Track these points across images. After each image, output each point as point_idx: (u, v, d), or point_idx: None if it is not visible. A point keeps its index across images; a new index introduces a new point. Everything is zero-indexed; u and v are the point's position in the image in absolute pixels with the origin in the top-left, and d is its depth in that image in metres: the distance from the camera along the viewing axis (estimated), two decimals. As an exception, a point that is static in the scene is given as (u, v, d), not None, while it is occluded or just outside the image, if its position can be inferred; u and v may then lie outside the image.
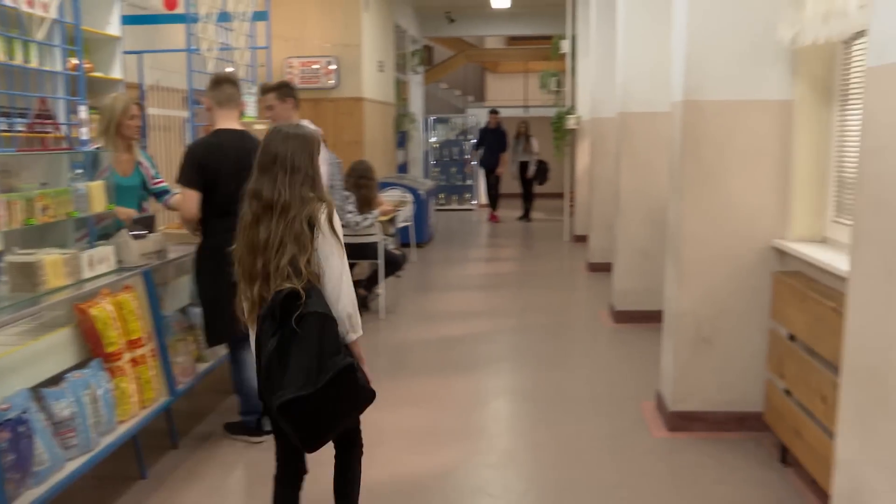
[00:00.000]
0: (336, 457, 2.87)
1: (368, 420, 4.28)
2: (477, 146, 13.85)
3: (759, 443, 4.12)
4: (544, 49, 13.62)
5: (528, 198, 13.81)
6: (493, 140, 13.28)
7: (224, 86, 4.12)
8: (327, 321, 2.51)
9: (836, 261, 3.47)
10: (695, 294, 4.23)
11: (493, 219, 13.67)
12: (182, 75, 5.48)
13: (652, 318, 6.42)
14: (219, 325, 4.02)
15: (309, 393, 2.42)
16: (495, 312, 7.19)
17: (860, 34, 3.41)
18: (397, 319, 6.90)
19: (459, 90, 18.24)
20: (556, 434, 4.38)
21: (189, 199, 3.94)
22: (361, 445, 2.93)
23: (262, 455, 4.00)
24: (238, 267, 2.67)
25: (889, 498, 1.99)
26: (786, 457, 3.84)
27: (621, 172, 6.64)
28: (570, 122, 10.58)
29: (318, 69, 9.32)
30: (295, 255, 2.52)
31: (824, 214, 4.00)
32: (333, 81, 9.36)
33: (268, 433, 4.14)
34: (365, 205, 6.82)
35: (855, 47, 3.64)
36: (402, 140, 12.89)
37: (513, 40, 17.48)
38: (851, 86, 3.71)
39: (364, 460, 2.96)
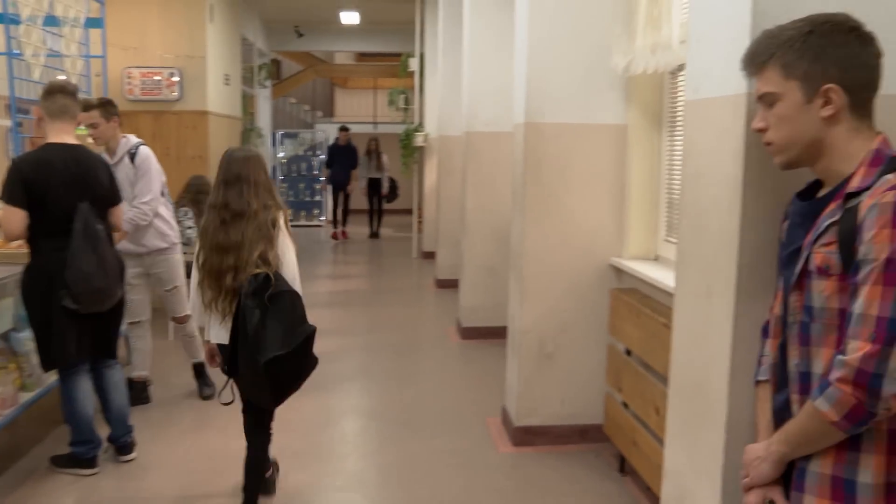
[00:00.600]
0: (249, 443, 3.47)
1: (211, 446, 4.12)
2: (328, 164, 13.57)
3: (600, 454, 4.28)
4: (393, 66, 13.70)
5: (377, 215, 13.75)
6: (343, 157, 13.16)
7: (57, 96, 3.85)
8: (296, 297, 3.23)
9: (666, 278, 3.66)
10: (537, 311, 4.35)
11: (343, 236, 13.50)
12: (4, 81, 5.11)
13: (498, 333, 6.54)
14: (53, 349, 3.79)
15: (286, 352, 3.07)
16: (343, 331, 7.12)
17: (682, 66, 3.63)
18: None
19: (308, 105, 18.04)
20: (404, 453, 4.37)
21: (13, 218, 3.65)
22: (271, 433, 3.56)
23: (92, 485, 3.77)
24: (202, 267, 3.29)
25: (712, 505, 2.09)
26: (624, 466, 4.01)
27: (467, 190, 6.76)
28: (418, 140, 10.68)
29: (160, 80, 8.94)
30: (263, 250, 3.21)
31: (657, 234, 4.23)
32: (177, 94, 9.00)
33: (94, 468, 3.97)
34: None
35: (679, 78, 3.87)
36: (248, 155, 12.60)
37: (362, 56, 17.49)
38: (677, 113, 3.95)
39: (205, 489, 2.88)
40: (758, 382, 1.85)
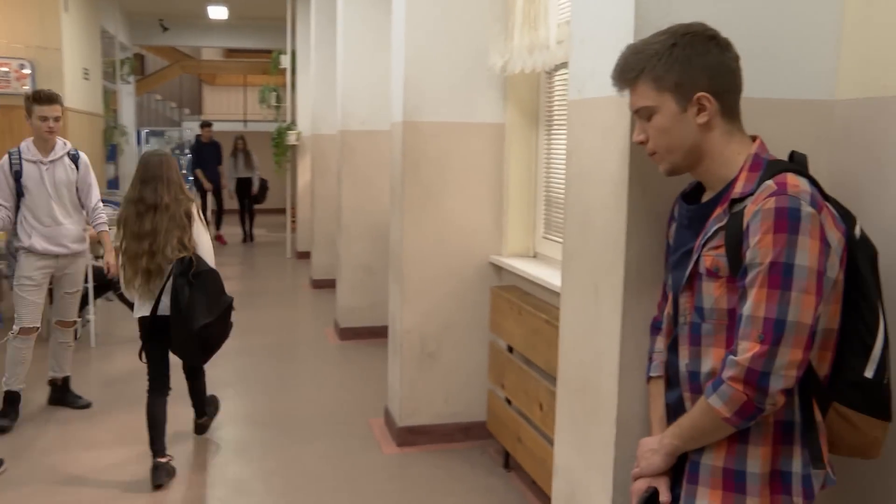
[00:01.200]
0: (189, 381, 4.33)
1: (78, 460, 3.88)
2: (196, 163, 12.16)
3: (484, 451, 4.30)
4: (264, 63, 13.36)
5: (249, 217, 12.75)
6: (210, 155, 12.09)
7: None
8: (215, 274, 3.91)
9: (545, 275, 3.72)
10: (418, 310, 4.33)
11: (220, 240, 12.33)
12: None
13: (377, 333, 6.51)
14: None
15: (212, 319, 3.79)
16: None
17: (561, 66, 3.70)
18: (110, 348, 6.35)
19: (175, 102, 17.35)
20: (287, 458, 4.26)
21: None
22: (204, 373, 4.38)
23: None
24: (124, 252, 3.83)
25: (601, 498, 2.13)
26: (508, 462, 4.05)
27: (343, 190, 6.67)
28: (291, 139, 10.47)
29: (7, 72, 8.37)
30: (180, 236, 3.80)
31: (535, 231, 4.29)
32: (28, 87, 8.44)
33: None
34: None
35: (556, 78, 3.94)
36: (112, 154, 11.94)
37: (231, 52, 16.97)
38: (555, 113, 4.02)
39: None
40: (650, 378, 1.89)
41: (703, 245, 1.64)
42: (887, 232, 1.79)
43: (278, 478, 4.03)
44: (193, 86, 18.04)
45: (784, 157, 1.69)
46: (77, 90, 9.38)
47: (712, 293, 1.62)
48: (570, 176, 2.30)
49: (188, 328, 3.71)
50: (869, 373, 1.60)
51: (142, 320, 3.90)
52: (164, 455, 3.90)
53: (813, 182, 1.59)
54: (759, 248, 1.51)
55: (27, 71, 8.55)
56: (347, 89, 6.51)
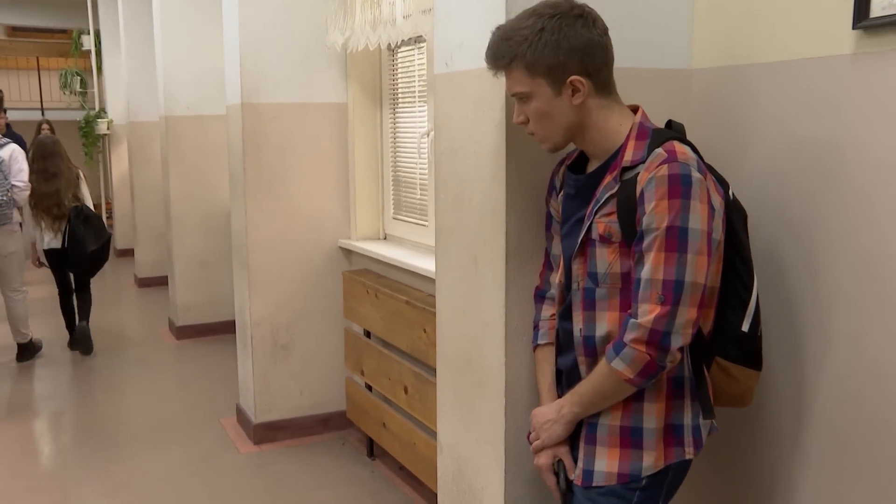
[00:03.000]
0: (79, 293, 6.09)
1: None
2: None
3: (346, 440, 4.21)
4: (60, 44, 12.29)
5: None
6: None
7: None
8: (97, 216, 5.81)
9: (400, 256, 3.67)
10: (267, 301, 4.15)
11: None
12: None
13: (219, 329, 6.23)
14: None
15: (99, 246, 5.71)
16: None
17: (407, 42, 3.64)
18: None
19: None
20: (138, 469, 3.96)
21: None
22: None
23: None
24: (35, 206, 5.62)
25: (492, 470, 2.12)
26: (373, 449, 3.97)
27: (170, 180, 6.29)
28: (102, 127, 9.76)
29: None
30: (74, 192, 5.72)
31: (384, 213, 4.22)
32: None
33: None
34: None
35: (400, 54, 3.87)
36: None
37: (17, 31, 15.44)
38: (400, 89, 3.95)
39: None
40: (536, 347, 1.90)
41: (595, 212, 1.65)
42: (748, 195, 1.87)
43: (131, 490, 3.74)
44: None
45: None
46: None
47: (606, 258, 1.63)
48: (441, 151, 2.24)
49: (82, 252, 5.64)
50: (745, 326, 1.69)
51: (51, 251, 5.75)
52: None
53: (694, 149, 1.64)
54: (656, 213, 1.53)
55: None
56: (169, 73, 6.12)
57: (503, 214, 1.94)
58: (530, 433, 1.81)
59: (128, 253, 9.71)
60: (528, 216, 1.97)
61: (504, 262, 1.96)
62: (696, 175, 1.54)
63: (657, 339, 1.53)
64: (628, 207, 1.58)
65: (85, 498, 3.73)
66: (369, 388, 3.88)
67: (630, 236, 1.58)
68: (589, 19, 1.61)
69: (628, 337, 1.55)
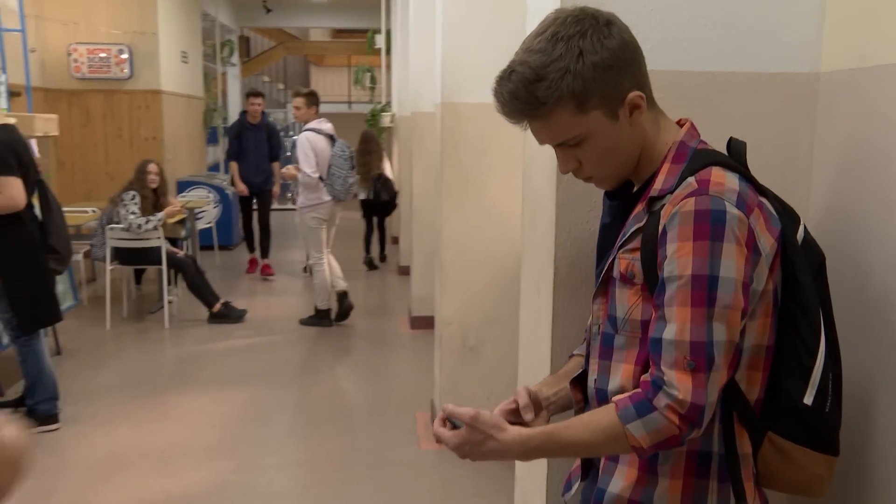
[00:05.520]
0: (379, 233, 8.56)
1: (122, 440, 3.93)
2: (231, 153, 8.32)
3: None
4: (364, 43, 13.36)
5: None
6: (255, 143, 8.19)
7: None
8: (391, 179, 8.65)
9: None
10: (457, 301, 4.12)
11: (264, 270, 8.52)
12: None
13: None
14: (45, 310, 4.17)
15: (389, 197, 8.70)
16: (293, 318, 6.86)
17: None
18: (184, 329, 6.47)
19: (282, 83, 17.67)
20: (320, 448, 4.16)
21: (16, 186, 3.88)
22: None
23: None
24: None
25: None
26: (539, 467, 3.79)
27: (413, 174, 6.54)
28: (385, 120, 10.40)
29: (107, 58, 8.66)
30: (379, 164, 8.24)
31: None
32: (127, 72, 8.73)
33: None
34: (153, 207, 6.41)
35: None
36: (213, 136, 12.22)
37: (339, 33, 17.08)
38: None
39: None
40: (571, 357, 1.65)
41: (620, 247, 1.37)
42: (876, 200, 1.45)
43: (304, 469, 3.93)
44: (301, 67, 18.31)
45: (757, 138, 1.43)
46: (174, 73, 9.60)
47: (626, 301, 1.36)
48: (526, 159, 2.05)
49: (381, 200, 8.69)
50: (808, 399, 1.31)
51: (364, 201, 8.50)
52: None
53: (745, 177, 1.30)
54: (678, 258, 1.24)
55: (125, 56, 8.81)
56: (449, 61, 6.31)
57: (552, 237, 1.71)
58: (451, 422, 1.39)
59: (395, 241, 10.27)
60: (584, 242, 1.71)
61: (552, 289, 1.72)
62: (732, 212, 1.23)
63: (696, 415, 1.22)
64: (651, 246, 1.29)
65: (261, 469, 3.96)
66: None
67: (652, 281, 1.30)
68: (618, 21, 1.33)
69: (661, 402, 1.23)
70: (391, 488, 3.73)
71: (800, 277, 1.30)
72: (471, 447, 1.33)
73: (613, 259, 1.38)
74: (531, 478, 2.03)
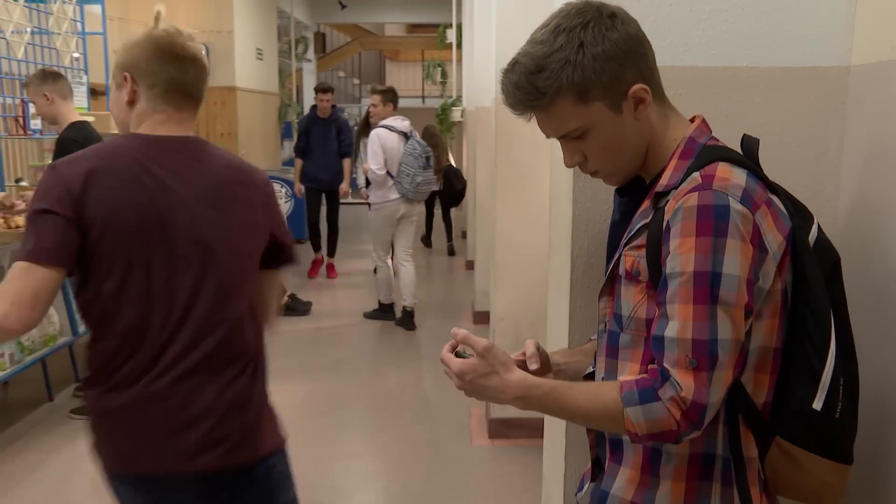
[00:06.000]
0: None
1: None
2: (299, 148, 7.94)
3: (570, 450, 4.04)
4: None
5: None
6: (323, 139, 7.82)
7: (60, 78, 4.26)
8: (458, 169, 9.24)
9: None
10: (511, 298, 4.11)
11: (328, 271, 8.45)
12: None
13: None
14: None
15: (462, 186, 9.16)
16: (359, 311, 6.95)
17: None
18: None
19: (357, 79, 17.89)
20: (372, 442, 4.23)
21: None
22: None
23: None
24: None
25: None
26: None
27: (476, 169, 6.52)
28: (455, 115, 10.43)
29: (185, 56, 8.92)
30: (446, 156, 9.12)
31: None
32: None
33: None
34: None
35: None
36: (288, 131, 12.45)
37: (413, 27, 17.18)
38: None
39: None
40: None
41: (626, 243, 1.36)
42: None
43: (356, 461, 3.99)
44: (376, 62, 18.49)
45: (783, 135, 1.42)
46: (249, 70, 9.82)
47: (631, 299, 1.34)
48: (553, 156, 2.03)
49: (453, 189, 9.19)
50: (817, 404, 1.26)
51: (434, 192, 8.48)
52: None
53: (754, 173, 1.27)
54: (680, 254, 1.22)
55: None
56: (482, 63, 6.33)
57: (569, 234, 1.69)
58: (460, 354, 1.38)
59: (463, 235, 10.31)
60: (601, 240, 1.68)
61: (568, 288, 1.70)
62: (736, 207, 1.20)
63: (697, 414, 1.20)
64: (656, 243, 1.27)
65: (316, 459, 4.04)
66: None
67: (657, 278, 1.28)
68: (622, 14, 1.31)
69: (666, 393, 1.21)
70: (441, 481, 3.76)
71: (809, 278, 1.26)
72: (473, 378, 1.33)
73: (619, 256, 1.37)
74: (553, 476, 2.02)
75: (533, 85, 1.29)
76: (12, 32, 4.77)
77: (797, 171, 1.62)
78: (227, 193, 1.79)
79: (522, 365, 1.47)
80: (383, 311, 6.64)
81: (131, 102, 1.79)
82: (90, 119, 4.47)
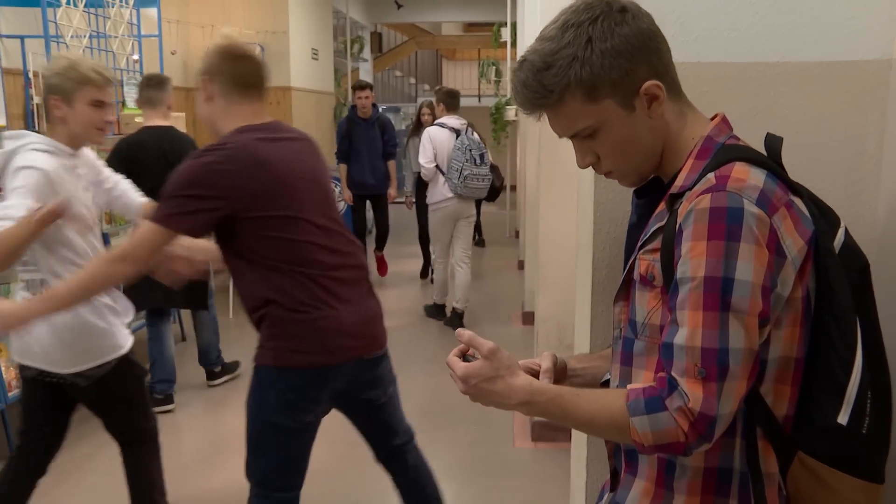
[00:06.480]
0: None
1: (231, 426, 4.10)
2: (341, 153, 7.46)
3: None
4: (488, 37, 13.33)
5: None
6: (366, 140, 7.29)
7: (143, 89, 4.50)
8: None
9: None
10: (554, 299, 4.06)
11: (379, 269, 8.14)
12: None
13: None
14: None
15: (500, 183, 7.63)
16: (408, 311, 6.96)
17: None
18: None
19: (414, 78, 17.93)
20: (422, 440, 4.16)
21: None
22: None
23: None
24: None
25: None
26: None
27: (527, 166, 6.46)
28: (510, 114, 10.35)
29: (241, 57, 9.05)
30: None
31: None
32: (260, 70, 9.09)
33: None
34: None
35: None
36: (344, 130, 12.53)
37: (470, 27, 17.14)
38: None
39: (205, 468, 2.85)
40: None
41: (641, 247, 1.31)
42: None
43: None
44: (432, 61, 18.49)
45: (819, 133, 1.37)
46: (304, 70, 9.91)
47: (645, 305, 1.29)
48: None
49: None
50: (842, 418, 1.19)
51: None
52: None
53: (775, 174, 1.20)
54: (691, 258, 1.17)
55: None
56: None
57: (591, 237, 1.64)
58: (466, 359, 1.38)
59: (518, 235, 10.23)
60: (623, 243, 1.63)
61: (590, 292, 1.65)
62: (750, 209, 1.14)
63: (705, 426, 1.15)
64: (669, 247, 1.22)
65: (357, 458, 4.03)
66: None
67: (671, 283, 1.22)
68: (634, 8, 1.25)
69: (674, 403, 1.16)
70: (482, 483, 3.73)
71: (833, 284, 1.19)
72: (478, 381, 1.30)
73: (634, 260, 1.32)
74: (578, 485, 1.97)
75: (540, 83, 1.25)
76: (72, 37, 4.87)
77: (833, 171, 1.54)
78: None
79: (534, 373, 1.43)
80: (436, 310, 6.66)
81: (210, 99, 2.30)
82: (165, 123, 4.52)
